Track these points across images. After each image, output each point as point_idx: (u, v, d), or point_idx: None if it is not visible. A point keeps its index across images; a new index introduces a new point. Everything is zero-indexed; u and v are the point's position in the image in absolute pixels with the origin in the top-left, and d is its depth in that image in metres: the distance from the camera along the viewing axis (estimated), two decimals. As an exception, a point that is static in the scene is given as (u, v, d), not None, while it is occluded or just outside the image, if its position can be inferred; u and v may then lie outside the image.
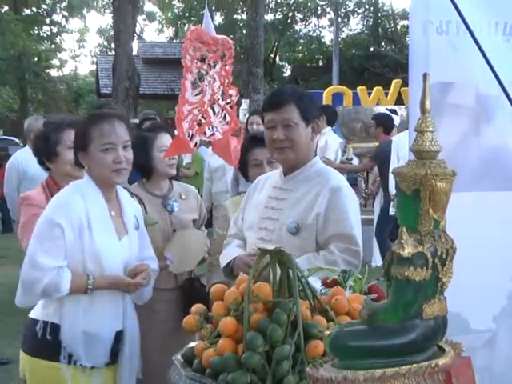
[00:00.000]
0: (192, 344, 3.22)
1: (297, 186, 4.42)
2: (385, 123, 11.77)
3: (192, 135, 3.59)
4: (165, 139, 5.34)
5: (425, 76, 1.75)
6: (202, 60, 3.62)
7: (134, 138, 4.37)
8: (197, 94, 3.62)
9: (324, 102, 19.30)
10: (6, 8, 38.36)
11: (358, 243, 4.25)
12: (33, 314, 4.13)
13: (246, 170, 5.24)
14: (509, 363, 4.02)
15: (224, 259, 4.56)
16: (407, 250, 1.66)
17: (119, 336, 4.19)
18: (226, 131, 3.63)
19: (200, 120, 3.56)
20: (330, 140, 12.40)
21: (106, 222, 4.17)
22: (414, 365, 1.68)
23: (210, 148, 4.77)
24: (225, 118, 3.61)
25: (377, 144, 12.31)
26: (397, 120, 12.15)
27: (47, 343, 4.02)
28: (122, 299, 4.19)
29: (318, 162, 4.58)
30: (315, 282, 3.29)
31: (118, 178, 4.21)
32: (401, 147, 10.10)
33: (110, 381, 4.21)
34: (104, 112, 4.56)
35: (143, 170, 5.45)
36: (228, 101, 3.56)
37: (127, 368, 4.24)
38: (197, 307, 3.37)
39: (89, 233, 4.03)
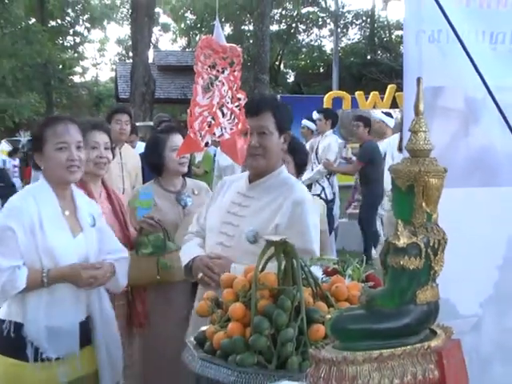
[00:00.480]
0: (204, 328, 3.22)
1: (260, 195, 4.20)
2: (367, 124, 11.75)
3: (202, 135, 3.57)
4: (176, 139, 5.35)
5: (418, 80, 1.76)
6: (213, 67, 3.61)
7: (148, 138, 4.38)
8: (207, 98, 3.61)
9: (325, 106, 19.31)
10: (33, 20, 38.50)
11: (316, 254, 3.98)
12: (0, 314, 4.07)
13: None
14: (494, 345, 4.01)
15: (184, 257, 4.42)
16: (402, 241, 1.66)
17: (86, 326, 4.14)
18: (233, 132, 3.62)
19: (210, 121, 3.56)
20: (332, 142, 12.33)
21: (59, 221, 4.10)
22: (409, 346, 1.68)
23: (219, 147, 4.73)
24: (233, 119, 3.60)
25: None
26: (391, 122, 12.11)
27: (12, 341, 3.96)
28: (85, 290, 4.12)
29: (283, 171, 4.31)
30: (317, 271, 3.29)
31: (71, 176, 4.13)
32: (394, 147, 10.11)
33: (77, 368, 4.12)
34: (58, 115, 4.61)
35: (155, 167, 5.45)
36: (236, 104, 3.56)
37: (104, 350, 4.19)
38: (208, 294, 3.38)
39: (41, 232, 3.97)
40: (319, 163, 11.85)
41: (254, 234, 4.03)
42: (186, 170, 5.63)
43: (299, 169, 5.41)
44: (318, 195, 10.98)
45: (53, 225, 4.03)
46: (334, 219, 11.65)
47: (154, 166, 5.50)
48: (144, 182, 8.04)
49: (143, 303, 5.16)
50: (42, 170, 4.18)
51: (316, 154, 12.14)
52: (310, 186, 10.75)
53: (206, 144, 3.64)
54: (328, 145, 12.18)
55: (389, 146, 10.73)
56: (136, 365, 4.92)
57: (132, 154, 9.12)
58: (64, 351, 4.04)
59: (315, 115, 12.81)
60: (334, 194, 11.88)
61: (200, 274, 4.13)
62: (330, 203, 11.18)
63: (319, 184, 11.57)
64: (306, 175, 10.51)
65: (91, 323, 4.18)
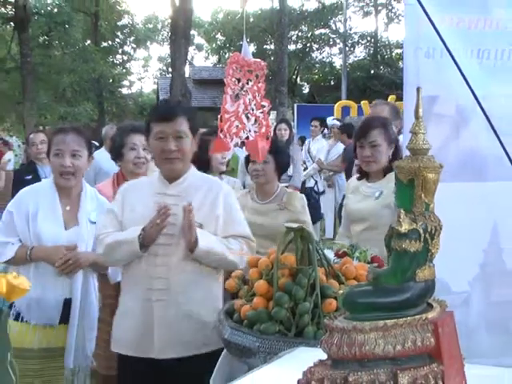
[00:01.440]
0: (232, 301, 3.22)
1: (187, 192, 3.74)
2: (347, 130, 11.85)
3: (230, 137, 3.57)
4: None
5: (418, 89, 1.76)
6: (239, 79, 3.61)
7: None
8: (235, 106, 3.61)
9: (335, 114, 19.35)
10: (89, 42, 38.74)
11: (253, 238, 3.81)
12: None
13: (247, 164, 5.29)
14: (480, 318, 4.02)
15: (127, 241, 3.65)
16: (404, 227, 1.66)
17: (69, 302, 4.07)
18: (257, 135, 3.61)
19: (237, 125, 3.56)
20: (324, 145, 13.19)
21: (53, 214, 4.14)
22: (409, 318, 1.67)
23: (244, 148, 4.71)
24: (257, 124, 3.59)
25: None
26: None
27: None
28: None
29: (193, 168, 3.91)
30: (329, 254, 3.28)
31: (63, 181, 4.15)
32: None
33: (50, 340, 4.09)
34: (64, 126, 4.52)
35: (202, 164, 5.41)
36: (260, 110, 3.55)
37: (75, 327, 4.07)
38: (236, 273, 3.38)
39: (34, 219, 4.08)
40: (313, 161, 12.68)
41: (198, 225, 3.64)
42: (225, 168, 5.65)
43: (280, 169, 5.24)
44: (312, 188, 11.80)
45: (46, 215, 4.11)
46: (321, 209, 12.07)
47: (200, 163, 5.44)
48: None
49: None
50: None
51: (309, 153, 13.15)
52: (304, 181, 11.45)
53: (236, 144, 3.64)
54: (322, 147, 13.00)
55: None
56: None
57: None
58: (43, 321, 4.07)
59: (329, 121, 13.50)
60: (324, 187, 12.55)
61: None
62: (321, 194, 12.02)
63: (313, 178, 12.15)
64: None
65: (70, 303, 4.09)
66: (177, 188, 3.79)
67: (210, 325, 3.50)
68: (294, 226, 3.10)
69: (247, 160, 5.27)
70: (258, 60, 3.62)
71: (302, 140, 15.74)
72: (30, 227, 4.07)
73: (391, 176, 4.22)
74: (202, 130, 10.48)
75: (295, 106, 28.07)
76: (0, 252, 4.07)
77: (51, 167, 4.28)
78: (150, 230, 3.58)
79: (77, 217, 4.19)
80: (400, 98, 4.88)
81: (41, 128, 9.07)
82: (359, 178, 4.69)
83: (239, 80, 3.57)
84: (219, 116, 3.67)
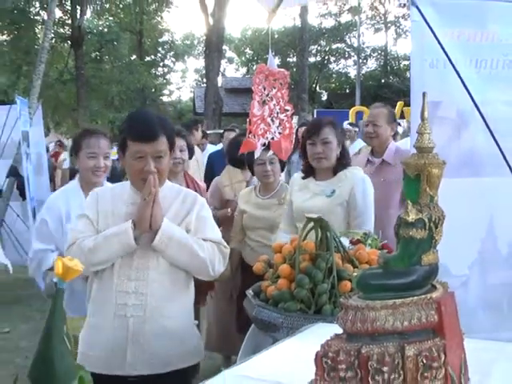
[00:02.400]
0: (259, 282, 3.22)
1: (162, 204, 3.10)
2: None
3: (257, 138, 3.56)
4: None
5: (424, 94, 1.75)
6: (264, 87, 3.60)
7: (231, 141, 4.19)
8: (261, 110, 3.60)
9: (350, 118, 19.29)
10: (134, 56, 38.94)
11: (225, 244, 3.24)
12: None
13: (252, 167, 5.01)
14: (478, 298, 4.02)
15: (116, 240, 3.05)
16: (411, 217, 1.65)
17: None
18: (281, 136, 3.59)
19: (262, 128, 3.54)
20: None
21: None
22: (415, 297, 1.66)
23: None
24: (282, 127, 3.58)
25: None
26: (400, 129, 12.03)
27: None
28: None
29: (169, 182, 3.30)
30: (345, 241, 3.26)
31: (95, 178, 4.00)
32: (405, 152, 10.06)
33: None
34: (93, 129, 4.23)
35: (236, 162, 5.38)
36: (284, 114, 3.54)
37: None
38: (263, 258, 3.38)
39: (67, 220, 3.85)
40: None
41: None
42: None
43: (282, 166, 4.91)
44: None
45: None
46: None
47: (237, 161, 5.39)
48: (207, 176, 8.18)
49: None
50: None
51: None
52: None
53: (264, 144, 3.60)
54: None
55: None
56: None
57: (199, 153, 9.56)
58: (77, 313, 3.56)
59: (344, 125, 13.30)
60: None
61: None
62: None
63: None
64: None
65: None
66: None
67: (186, 339, 3.19)
68: (314, 216, 3.10)
69: (249, 163, 5.04)
70: (282, 70, 3.61)
71: None
72: (63, 228, 3.83)
73: (342, 175, 4.16)
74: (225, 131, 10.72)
75: (315, 111, 28.07)
76: (42, 258, 3.85)
77: (81, 166, 4.06)
78: (140, 212, 3.01)
79: None
80: (407, 104, 4.86)
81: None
82: (305, 177, 4.35)
83: (265, 88, 3.56)
84: (248, 119, 3.65)
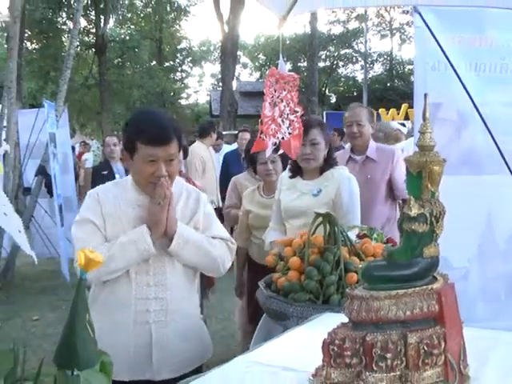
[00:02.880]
0: (271, 274, 3.21)
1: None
2: (343, 134, 11.77)
3: (268, 138, 3.53)
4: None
5: (425, 96, 1.73)
6: (275, 90, 3.58)
7: (249, 141, 4.06)
8: (271, 111, 3.57)
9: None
10: (154, 62, 39.04)
11: (234, 241, 3.12)
12: None
13: (254, 166, 4.95)
14: (476, 289, 4.02)
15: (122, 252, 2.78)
16: (414, 212, 1.64)
17: None
18: (290, 136, 3.55)
19: (273, 128, 3.51)
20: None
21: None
22: (417, 288, 1.66)
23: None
24: (293, 127, 3.54)
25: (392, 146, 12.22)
26: (405, 130, 11.97)
27: None
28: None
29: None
30: (352, 235, 3.25)
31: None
32: (406, 149, 10.04)
33: None
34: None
35: (252, 161, 5.33)
36: (294, 115, 3.51)
37: None
38: (274, 251, 3.37)
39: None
40: None
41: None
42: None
43: (284, 167, 4.74)
44: None
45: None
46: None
47: (249, 160, 5.33)
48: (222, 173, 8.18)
49: None
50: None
51: None
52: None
53: (275, 144, 3.54)
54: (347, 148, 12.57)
55: (405, 147, 10.70)
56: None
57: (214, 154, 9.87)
58: None
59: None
60: None
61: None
62: None
63: None
64: None
65: None
66: None
67: (202, 336, 3.07)
68: (323, 212, 3.09)
69: (252, 161, 5.02)
70: (292, 73, 3.59)
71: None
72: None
73: (328, 175, 4.04)
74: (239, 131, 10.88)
75: (324, 113, 28.02)
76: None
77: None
78: (156, 217, 2.79)
79: None
80: (412, 106, 4.83)
81: (115, 133, 9.22)
82: (292, 176, 4.19)
83: (275, 90, 3.53)
84: (259, 120, 3.62)
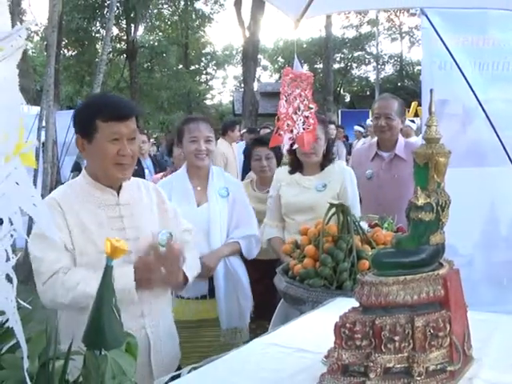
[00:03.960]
0: (287, 261, 3.19)
1: (134, 199, 2.64)
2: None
3: (284, 133, 3.50)
4: None
5: (431, 91, 1.73)
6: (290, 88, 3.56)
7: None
8: (286, 108, 3.55)
9: (370, 117, 19.18)
10: (180, 66, 39.16)
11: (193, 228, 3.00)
12: None
13: (249, 162, 4.82)
14: (480, 274, 4.01)
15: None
16: (420, 201, 1.62)
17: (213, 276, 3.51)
18: (304, 131, 3.51)
19: (288, 123, 3.49)
20: (366, 142, 12.80)
21: (186, 194, 3.58)
22: (424, 274, 1.64)
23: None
24: (307, 123, 3.51)
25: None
26: (414, 127, 11.90)
27: None
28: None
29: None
30: (364, 225, 3.22)
31: (199, 162, 3.61)
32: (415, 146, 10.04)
33: (205, 309, 3.55)
34: (194, 116, 3.90)
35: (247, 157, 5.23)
36: (308, 112, 3.48)
37: (222, 299, 3.49)
38: (291, 239, 3.36)
39: (173, 201, 3.10)
40: None
41: (167, 236, 2.68)
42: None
43: (278, 160, 4.66)
44: None
45: (180, 197, 3.51)
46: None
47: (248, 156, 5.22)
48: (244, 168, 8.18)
49: None
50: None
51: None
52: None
53: (290, 138, 3.49)
54: (363, 144, 12.58)
55: (418, 142, 10.68)
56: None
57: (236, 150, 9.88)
58: (193, 294, 3.50)
59: (368, 123, 13.49)
60: None
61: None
62: None
63: None
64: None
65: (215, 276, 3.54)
66: (125, 196, 2.62)
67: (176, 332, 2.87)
68: (336, 202, 3.06)
69: (248, 157, 4.88)
70: (305, 72, 3.57)
71: (346, 138, 15.77)
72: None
73: (331, 169, 3.92)
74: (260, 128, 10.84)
75: (339, 111, 28.13)
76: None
77: (185, 152, 3.70)
78: (146, 276, 2.46)
79: (206, 194, 3.62)
80: (421, 104, 4.80)
81: (145, 131, 9.36)
82: (292, 171, 4.01)
83: (290, 88, 3.52)
84: (276, 117, 3.59)
